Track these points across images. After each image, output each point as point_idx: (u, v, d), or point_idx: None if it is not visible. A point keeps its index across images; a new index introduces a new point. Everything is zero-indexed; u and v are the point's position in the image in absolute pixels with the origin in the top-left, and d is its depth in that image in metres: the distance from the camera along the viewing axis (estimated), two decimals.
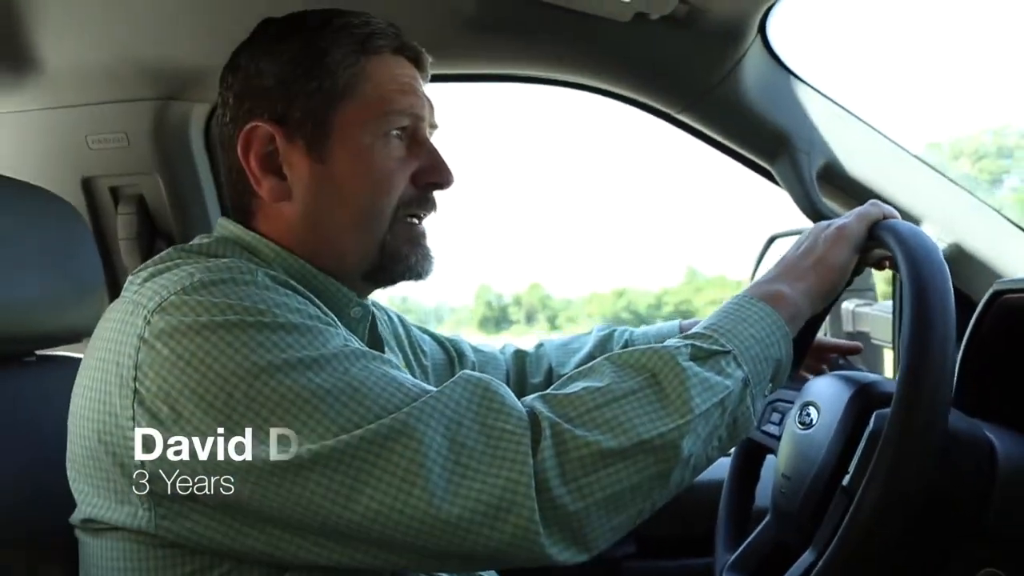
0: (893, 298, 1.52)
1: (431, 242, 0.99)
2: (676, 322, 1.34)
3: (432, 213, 0.99)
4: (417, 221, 0.98)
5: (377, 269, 0.96)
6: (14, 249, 1.03)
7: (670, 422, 0.77)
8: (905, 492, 0.78)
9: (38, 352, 1.13)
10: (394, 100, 0.93)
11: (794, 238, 1.79)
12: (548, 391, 0.81)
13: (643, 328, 1.36)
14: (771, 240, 1.88)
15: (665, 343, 0.83)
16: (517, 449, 0.74)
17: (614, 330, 1.37)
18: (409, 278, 0.98)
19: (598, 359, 0.85)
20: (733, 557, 1.10)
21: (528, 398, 0.81)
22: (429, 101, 0.98)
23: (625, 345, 1.33)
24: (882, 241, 0.91)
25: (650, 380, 0.80)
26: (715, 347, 0.82)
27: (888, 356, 1.71)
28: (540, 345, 1.40)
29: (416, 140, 0.96)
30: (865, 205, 0.96)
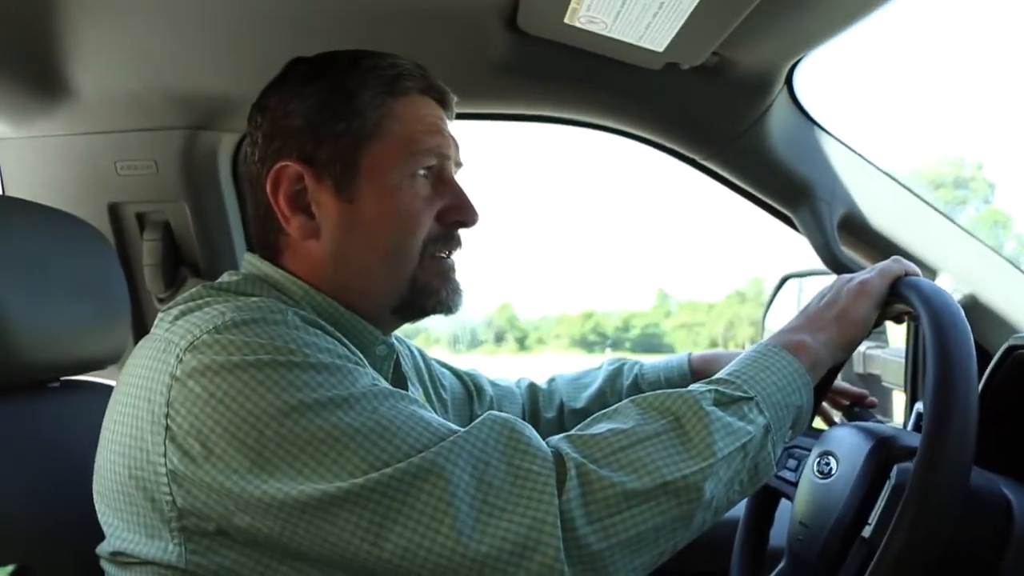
0: (907, 344, 1.53)
1: (459, 276, 1.01)
2: (686, 354, 1.35)
3: (458, 249, 1.00)
4: (445, 255, 0.99)
5: (407, 304, 0.97)
6: (41, 274, 1.03)
7: (693, 465, 0.78)
8: (926, 546, 0.79)
9: (63, 378, 1.14)
10: (421, 141, 0.95)
11: (804, 280, 1.83)
12: (573, 432, 0.83)
13: (652, 361, 1.37)
14: (784, 280, 1.90)
15: (689, 388, 0.85)
16: (544, 489, 0.75)
17: (624, 363, 1.38)
18: (439, 312, 0.99)
19: (623, 402, 0.86)
20: None
21: (554, 439, 0.82)
22: (455, 140, 1.00)
23: (635, 380, 1.34)
24: (906, 299, 0.93)
25: (674, 423, 0.81)
26: (738, 393, 0.84)
27: (897, 399, 1.72)
28: (552, 380, 1.40)
29: (442, 179, 0.97)
30: (887, 261, 0.99)
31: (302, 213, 0.94)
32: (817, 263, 1.42)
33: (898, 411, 1.75)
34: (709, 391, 0.84)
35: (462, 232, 1.00)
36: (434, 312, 0.99)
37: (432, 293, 0.97)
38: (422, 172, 0.95)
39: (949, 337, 0.84)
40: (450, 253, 1.00)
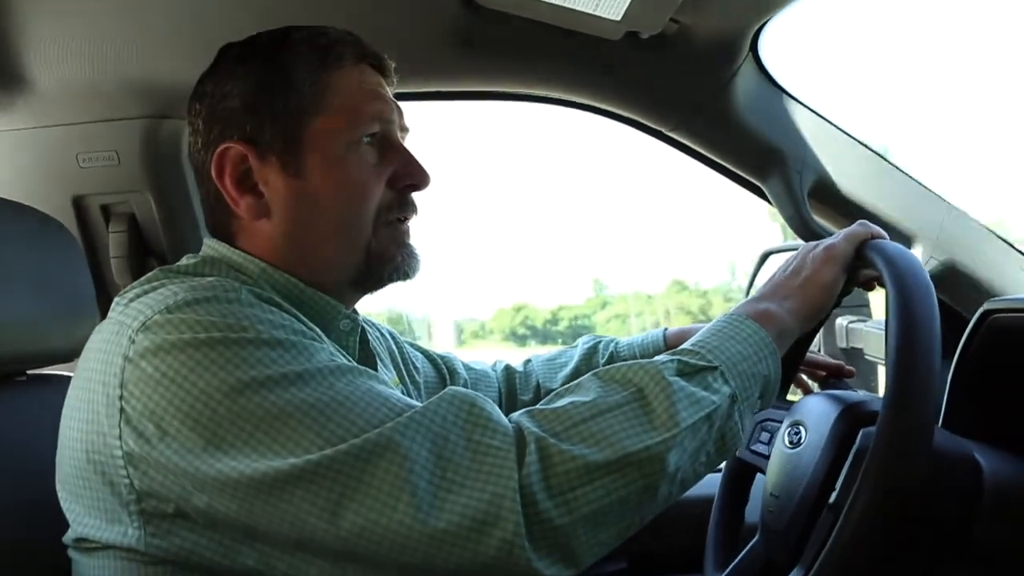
0: (886, 315, 1.51)
1: (415, 241, 1.00)
2: (661, 330, 1.34)
3: (414, 215, 1.00)
4: (400, 221, 0.98)
5: (364, 274, 0.96)
6: (5, 268, 1.02)
7: (656, 436, 0.77)
8: (889, 509, 0.78)
9: (29, 372, 1.13)
10: (361, 108, 0.94)
11: (788, 254, 1.81)
12: (535, 407, 0.81)
13: (628, 339, 1.37)
14: (765, 256, 1.88)
15: (652, 359, 0.83)
16: (503, 464, 0.73)
17: (599, 341, 1.37)
18: (396, 279, 0.99)
19: (585, 376, 0.84)
20: None
21: (515, 414, 0.81)
22: (397, 106, 0.99)
23: (610, 358, 1.33)
24: (870, 261, 0.92)
25: (636, 394, 0.80)
26: (702, 363, 0.83)
27: (882, 372, 1.70)
28: (528, 361, 1.40)
29: (388, 145, 0.97)
30: (853, 225, 0.97)
31: (250, 194, 0.93)
32: (791, 237, 1.41)
33: (883, 384, 1.74)
34: (672, 361, 0.83)
35: (415, 196, 0.99)
36: (392, 280, 0.99)
37: (389, 260, 0.97)
38: (366, 139, 0.94)
39: (912, 297, 0.83)
40: (404, 219, 0.99)
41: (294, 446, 0.72)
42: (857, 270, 0.95)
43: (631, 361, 0.84)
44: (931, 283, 0.85)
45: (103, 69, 1.33)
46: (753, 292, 1.82)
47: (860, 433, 0.91)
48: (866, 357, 1.70)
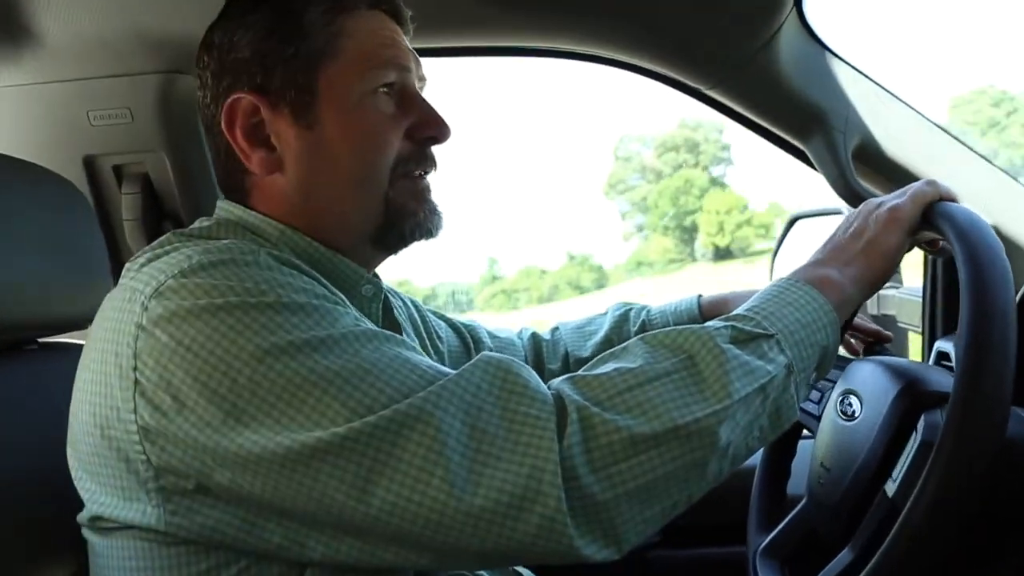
0: (924, 281, 1.47)
1: (436, 197, 0.95)
2: (695, 296, 1.30)
3: (433, 170, 0.95)
4: (419, 175, 0.94)
5: (385, 229, 0.92)
6: (14, 231, 0.97)
7: (707, 407, 0.72)
8: (955, 509, 0.73)
9: (40, 340, 1.09)
10: (377, 55, 0.89)
11: (816, 219, 1.77)
12: (577, 373, 0.76)
13: (660, 306, 1.32)
14: (793, 220, 1.84)
15: (704, 324, 0.78)
16: (542, 435, 0.69)
17: (630, 308, 1.33)
18: (419, 236, 0.94)
19: (632, 340, 0.79)
20: (767, 541, 1.08)
21: (555, 381, 0.76)
22: (414, 54, 0.94)
23: (642, 325, 1.29)
24: (939, 229, 0.85)
25: (686, 362, 0.75)
26: (757, 330, 0.77)
27: (913, 340, 1.67)
28: (556, 329, 1.36)
29: (406, 95, 0.92)
30: (919, 183, 0.90)
31: (262, 147, 0.89)
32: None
33: (913, 352, 1.71)
34: (726, 327, 0.77)
35: (435, 150, 0.95)
36: (414, 237, 0.94)
37: (409, 215, 0.92)
38: (383, 89, 0.90)
39: (986, 273, 0.76)
40: (424, 173, 0.94)
41: (320, 417, 0.68)
42: (919, 231, 0.89)
43: (682, 327, 0.79)
44: (1007, 260, 0.78)
45: (114, 21, 1.27)
46: (784, 262, 1.80)
47: (922, 419, 0.86)
48: (899, 324, 1.66)
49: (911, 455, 0.84)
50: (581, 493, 0.69)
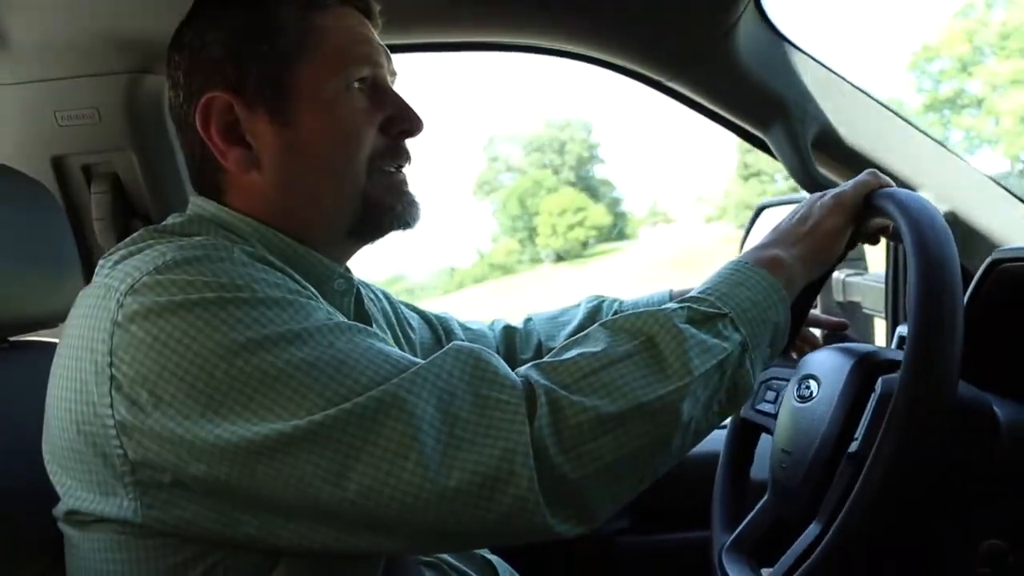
0: (887, 267, 1.50)
1: (414, 189, 0.97)
2: (667, 290, 1.32)
3: (408, 164, 0.96)
4: (394, 170, 0.95)
5: (362, 222, 0.93)
6: None
7: (669, 384, 0.75)
8: (915, 456, 0.76)
9: (11, 339, 1.09)
10: (350, 51, 0.91)
11: (784, 207, 1.80)
12: (543, 360, 0.79)
13: (633, 298, 1.34)
14: (760, 210, 1.87)
15: (660, 307, 0.81)
16: (513, 418, 0.71)
17: (603, 300, 1.35)
18: (397, 227, 0.95)
19: (593, 327, 0.82)
20: (732, 537, 1.09)
21: (522, 368, 0.78)
22: (385, 49, 0.96)
23: (615, 315, 1.30)
24: (881, 209, 0.89)
25: (647, 343, 0.77)
26: (711, 310, 0.80)
27: (879, 326, 1.70)
28: (529, 320, 1.37)
29: (378, 89, 0.93)
30: (863, 174, 0.95)
31: (238, 145, 0.89)
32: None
33: (879, 338, 1.74)
34: (682, 308, 0.80)
35: (409, 144, 0.96)
36: (392, 228, 0.96)
37: (387, 209, 0.94)
38: (356, 84, 0.91)
39: (929, 240, 0.81)
40: (399, 167, 0.95)
41: (296, 408, 0.69)
42: (865, 220, 0.93)
43: (640, 311, 0.81)
44: (948, 228, 0.83)
45: (79, 21, 1.27)
46: (752, 242, 1.82)
47: (879, 380, 0.89)
48: (864, 310, 1.69)
49: (871, 411, 0.87)
50: (552, 473, 0.71)
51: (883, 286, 1.52)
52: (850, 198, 0.92)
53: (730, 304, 0.81)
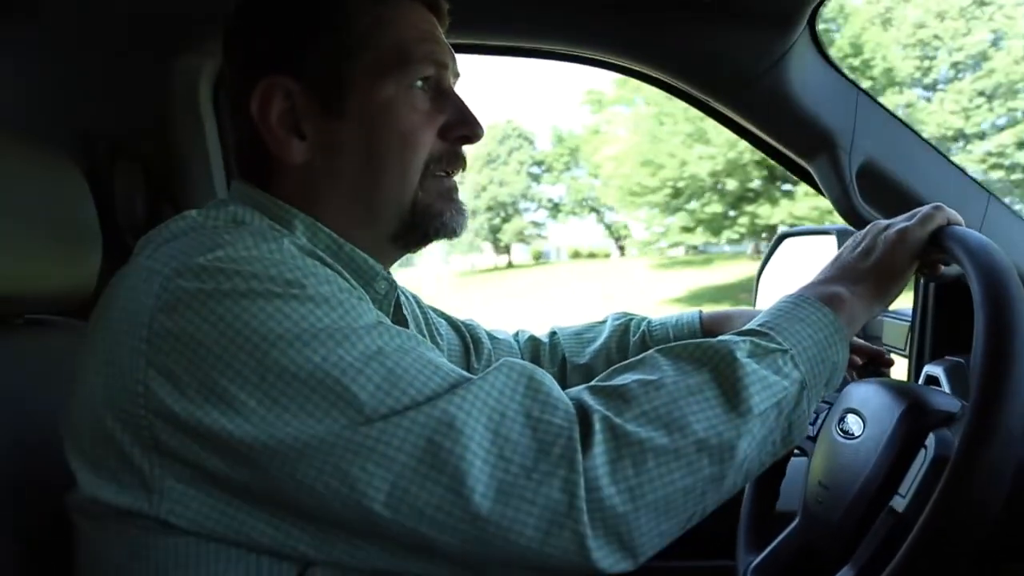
0: (914, 304, 1.49)
1: (462, 197, 0.94)
2: (696, 312, 1.29)
3: (461, 170, 0.93)
4: (446, 175, 0.92)
5: (408, 228, 0.90)
6: (5, 204, 0.94)
7: (729, 421, 0.72)
8: (971, 524, 0.74)
9: (28, 315, 1.06)
10: (415, 48, 0.87)
11: (804, 238, 1.78)
12: (595, 382, 0.76)
13: (660, 318, 1.31)
14: (780, 238, 1.85)
15: (720, 338, 0.78)
16: (566, 444, 0.68)
17: (630, 319, 1.31)
18: (442, 236, 0.92)
19: (649, 352, 0.79)
20: (758, 560, 1.07)
21: (573, 390, 0.75)
22: (451, 49, 0.92)
23: (643, 335, 1.27)
24: (949, 252, 0.86)
25: (708, 375, 0.75)
26: (772, 345, 0.78)
27: (898, 363, 1.68)
28: (553, 333, 1.34)
29: (441, 91, 0.90)
30: (927, 208, 0.91)
31: (292, 134, 0.86)
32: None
33: (896, 374, 1.72)
34: (744, 341, 0.77)
35: (465, 149, 0.93)
36: (436, 237, 0.92)
37: (435, 216, 0.90)
38: (419, 83, 0.88)
39: (1001, 296, 0.77)
40: (451, 173, 0.92)
41: (338, 413, 0.66)
42: (927, 255, 0.90)
43: (699, 340, 0.79)
44: (1020, 281, 0.79)
45: None
46: (771, 278, 1.80)
47: (931, 437, 0.86)
48: (883, 346, 1.68)
49: (923, 470, 0.84)
50: (601, 505, 0.68)
51: (903, 322, 1.50)
52: (916, 235, 0.88)
53: (791, 340, 0.79)
